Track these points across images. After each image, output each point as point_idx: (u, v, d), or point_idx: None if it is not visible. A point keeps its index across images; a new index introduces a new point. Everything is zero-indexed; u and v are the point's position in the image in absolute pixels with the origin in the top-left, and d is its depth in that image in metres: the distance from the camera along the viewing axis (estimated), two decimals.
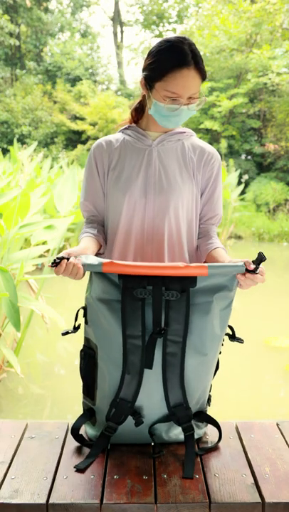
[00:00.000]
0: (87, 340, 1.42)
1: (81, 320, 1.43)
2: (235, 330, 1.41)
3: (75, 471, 1.30)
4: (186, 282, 1.29)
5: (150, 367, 1.32)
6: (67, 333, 1.39)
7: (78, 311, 1.42)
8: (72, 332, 1.40)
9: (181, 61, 1.38)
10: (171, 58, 1.39)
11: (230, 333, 1.41)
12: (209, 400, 1.48)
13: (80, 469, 1.30)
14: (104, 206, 1.60)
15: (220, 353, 1.42)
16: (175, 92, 1.40)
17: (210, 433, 1.49)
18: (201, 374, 1.37)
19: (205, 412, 1.46)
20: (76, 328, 1.41)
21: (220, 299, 1.32)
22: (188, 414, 1.37)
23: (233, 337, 1.40)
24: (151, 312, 1.30)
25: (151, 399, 1.36)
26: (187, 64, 1.38)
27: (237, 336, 1.40)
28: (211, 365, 1.39)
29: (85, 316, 1.40)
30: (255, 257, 1.29)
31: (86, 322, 1.40)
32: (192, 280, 1.30)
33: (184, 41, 1.40)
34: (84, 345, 1.43)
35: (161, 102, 1.43)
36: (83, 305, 1.40)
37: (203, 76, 1.42)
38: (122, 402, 1.34)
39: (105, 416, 1.38)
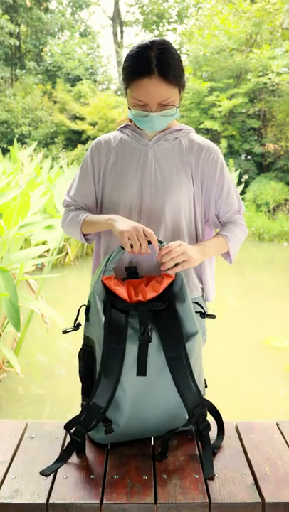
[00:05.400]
0: (86, 338, 1.43)
1: (80, 319, 1.44)
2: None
3: (40, 473, 1.28)
4: (166, 294, 1.40)
5: (144, 374, 1.33)
6: (66, 331, 1.41)
7: (80, 308, 1.44)
8: (72, 330, 1.41)
9: (141, 70, 1.36)
10: (133, 66, 1.38)
11: (202, 310, 1.47)
12: (205, 383, 1.51)
13: (44, 474, 1.27)
14: (93, 206, 1.59)
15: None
16: (140, 99, 1.39)
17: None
18: (199, 356, 1.42)
19: (203, 395, 1.48)
20: (76, 326, 1.43)
21: (182, 281, 1.44)
22: (203, 413, 1.39)
23: (203, 314, 1.47)
24: (136, 320, 1.37)
25: (160, 406, 1.37)
26: (148, 72, 1.35)
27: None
28: (200, 344, 1.44)
29: (87, 313, 1.41)
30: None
31: (88, 319, 1.41)
32: (168, 289, 1.41)
33: (152, 47, 1.36)
34: (83, 344, 1.44)
35: (131, 108, 1.44)
36: (85, 303, 1.42)
37: (173, 83, 1.38)
38: (94, 407, 1.32)
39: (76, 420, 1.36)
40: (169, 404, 1.37)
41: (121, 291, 1.40)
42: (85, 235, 1.56)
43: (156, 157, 1.51)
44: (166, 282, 1.41)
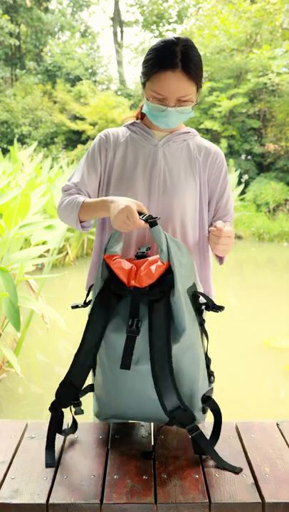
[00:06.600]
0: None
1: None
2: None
3: (46, 466, 1.30)
4: (164, 286, 1.31)
5: (128, 367, 1.29)
6: (76, 306, 1.43)
7: (91, 287, 1.45)
8: (82, 306, 1.44)
9: (165, 63, 1.36)
10: (157, 59, 1.38)
11: (208, 303, 1.40)
12: (212, 376, 1.43)
13: (50, 465, 1.30)
14: (95, 195, 1.57)
15: (202, 324, 1.40)
16: (159, 93, 1.39)
17: (207, 427, 1.49)
18: (192, 356, 1.33)
19: (211, 393, 1.42)
20: (86, 304, 1.44)
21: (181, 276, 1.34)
22: (188, 415, 1.28)
23: (208, 307, 1.39)
24: (127, 307, 1.34)
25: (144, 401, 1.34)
26: (172, 66, 1.36)
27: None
28: (196, 341, 1.34)
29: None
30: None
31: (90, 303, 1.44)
32: (166, 277, 1.32)
33: (177, 43, 1.38)
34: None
35: (149, 101, 1.43)
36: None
37: (194, 80, 1.39)
38: (68, 384, 1.36)
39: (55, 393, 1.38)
40: (150, 394, 1.30)
41: (120, 272, 1.35)
42: (81, 222, 1.51)
43: (165, 158, 1.52)
44: (160, 269, 1.32)
